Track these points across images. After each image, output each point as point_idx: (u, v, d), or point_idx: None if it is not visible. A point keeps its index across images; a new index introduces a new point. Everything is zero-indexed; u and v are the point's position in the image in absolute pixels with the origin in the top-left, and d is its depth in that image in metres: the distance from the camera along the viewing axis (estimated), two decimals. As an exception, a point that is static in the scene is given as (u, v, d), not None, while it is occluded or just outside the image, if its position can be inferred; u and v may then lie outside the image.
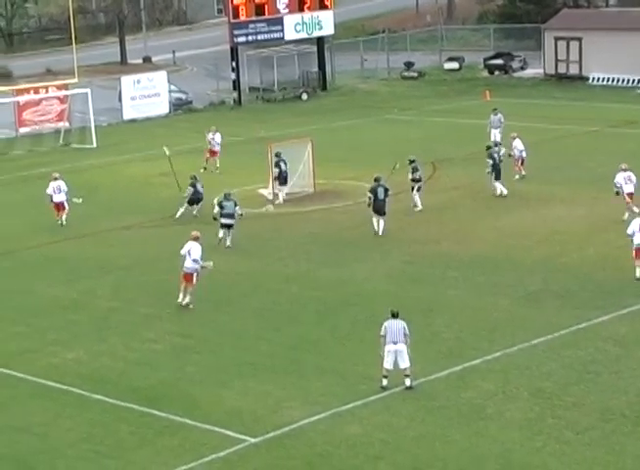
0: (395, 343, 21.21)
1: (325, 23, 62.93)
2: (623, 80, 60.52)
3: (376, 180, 33.01)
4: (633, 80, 59.84)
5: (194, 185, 35.37)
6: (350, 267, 29.64)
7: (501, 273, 28.36)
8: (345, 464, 18.76)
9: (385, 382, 21.37)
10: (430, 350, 23.37)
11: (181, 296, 27.08)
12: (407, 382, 21.33)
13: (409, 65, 68.19)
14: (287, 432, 19.92)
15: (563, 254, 29.84)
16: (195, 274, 26.86)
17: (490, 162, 36.17)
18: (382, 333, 21.43)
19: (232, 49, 60.72)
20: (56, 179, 35.46)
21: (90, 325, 26.15)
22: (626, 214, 31.83)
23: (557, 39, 63.23)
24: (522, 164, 38.74)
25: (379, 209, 32.58)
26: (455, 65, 68.62)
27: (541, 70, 64.59)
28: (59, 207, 35.27)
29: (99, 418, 20.96)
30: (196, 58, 76.81)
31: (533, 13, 71.81)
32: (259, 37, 61.25)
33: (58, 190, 35.22)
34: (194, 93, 61.05)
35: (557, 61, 63.59)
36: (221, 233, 32.11)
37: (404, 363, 21.26)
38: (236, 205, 32.17)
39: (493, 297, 26.66)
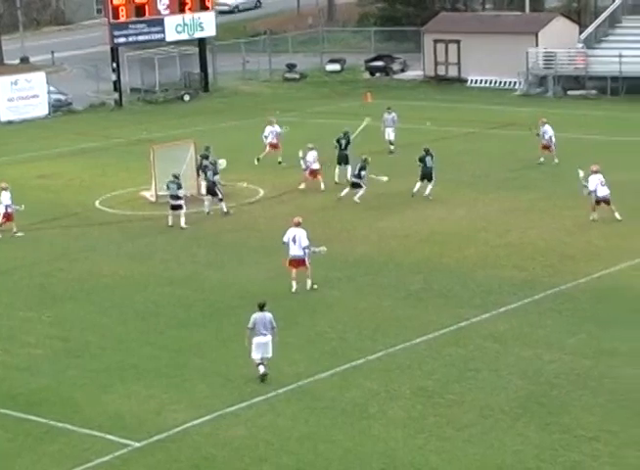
0: (264, 335, 21.64)
1: (206, 24, 62.70)
2: (500, 83, 61.72)
3: (425, 150, 35.93)
4: (509, 83, 61.07)
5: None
6: (235, 269, 29.60)
7: (383, 274, 28.65)
8: (230, 466, 18.73)
9: (262, 369, 21.66)
10: (314, 350, 23.50)
11: (294, 284, 26.94)
12: (261, 369, 21.71)
13: (291, 66, 68.37)
14: (171, 435, 19.80)
15: (443, 254, 30.29)
16: (306, 259, 26.72)
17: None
18: (249, 325, 21.73)
19: (112, 50, 60.05)
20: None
21: (-32, 331, 25.58)
22: (594, 215, 32.21)
23: (436, 42, 64.18)
24: (549, 149, 39.93)
25: (426, 175, 35.62)
26: (337, 66, 69.06)
27: (421, 73, 65.47)
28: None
29: (-23, 426, 20.53)
30: (75, 58, 75.64)
31: (413, 15, 72.72)
32: (140, 38, 60.70)
33: None
34: (74, 94, 60.12)
35: (436, 63, 64.54)
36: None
37: (268, 354, 21.69)
38: (179, 187, 33.15)
39: (376, 297, 26.92)
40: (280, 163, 41.71)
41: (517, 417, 19.89)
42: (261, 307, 21.88)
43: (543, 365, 22.23)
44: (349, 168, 37.80)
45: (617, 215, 32.06)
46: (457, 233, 32.12)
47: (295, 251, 26.94)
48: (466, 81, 63.09)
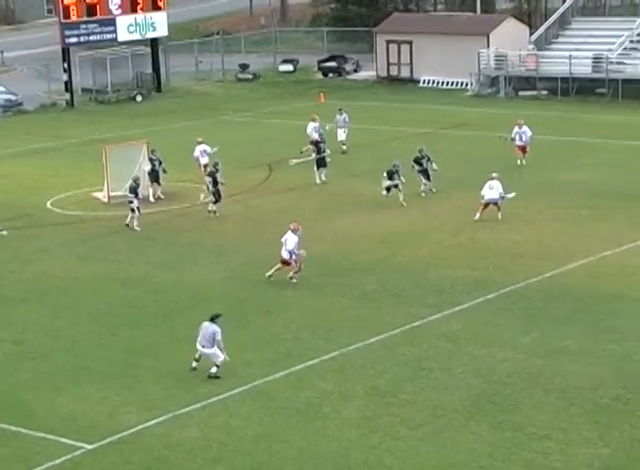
0: (203, 347, 21.93)
1: (158, 24, 62.44)
2: (452, 83, 62.06)
3: (419, 151, 36.35)
4: (461, 83, 61.42)
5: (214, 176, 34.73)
6: (188, 270, 29.52)
7: (338, 274, 28.71)
8: (183, 468, 18.68)
9: (194, 363, 22.17)
10: (269, 350, 23.50)
11: (271, 271, 27.92)
12: (193, 363, 22.17)
13: (244, 66, 68.29)
14: (124, 437, 19.71)
15: (397, 253, 30.41)
16: (291, 260, 27.63)
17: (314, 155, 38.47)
18: (196, 333, 22.06)
19: (63, 50, 59.62)
20: None
21: None
22: (478, 215, 32.65)
23: (388, 42, 64.41)
24: (525, 150, 40.26)
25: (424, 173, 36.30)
26: (290, 67, 69.09)
27: (374, 73, 65.66)
28: None
29: None
30: (26, 58, 75.02)
31: (365, 16, 72.96)
32: (92, 38, 60.33)
33: None
34: (24, 95, 59.56)
35: (389, 64, 64.77)
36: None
37: (216, 361, 21.91)
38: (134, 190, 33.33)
39: (330, 297, 26.98)
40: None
41: (470, 416, 20.02)
42: (212, 319, 21.98)
43: (496, 364, 22.39)
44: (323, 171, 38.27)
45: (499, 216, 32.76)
46: (411, 233, 32.26)
47: (282, 252, 27.80)
48: (418, 82, 63.36)
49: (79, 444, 19.44)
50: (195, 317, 25.42)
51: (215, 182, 34.54)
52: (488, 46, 60.90)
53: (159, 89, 63.33)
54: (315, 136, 41.62)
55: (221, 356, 21.89)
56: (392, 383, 21.67)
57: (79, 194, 38.21)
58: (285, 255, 27.73)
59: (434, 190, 36.34)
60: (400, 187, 34.99)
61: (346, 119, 44.72)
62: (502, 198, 32.65)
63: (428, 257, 30.03)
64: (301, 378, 22.07)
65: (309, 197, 37.19)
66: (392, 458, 18.64)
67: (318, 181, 38.60)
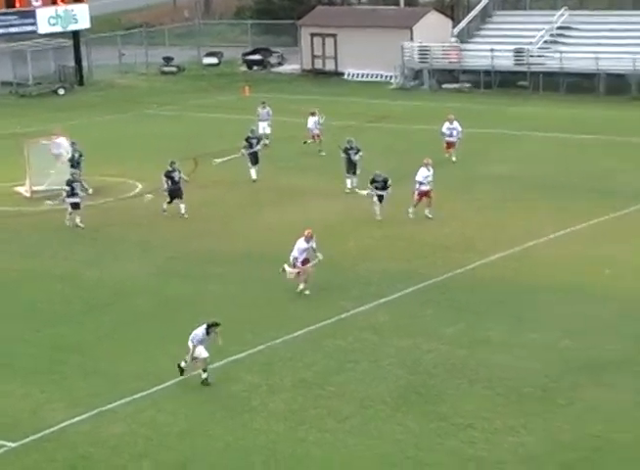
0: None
1: (80, 16, 61.81)
2: (377, 76, 62.32)
3: (348, 142, 36.05)
4: (385, 76, 61.70)
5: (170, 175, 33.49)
6: (114, 265, 29.28)
7: (264, 268, 28.65)
8: (108, 464, 18.54)
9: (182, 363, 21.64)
10: (194, 345, 23.39)
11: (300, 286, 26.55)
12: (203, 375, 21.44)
13: (168, 59, 67.89)
14: (48, 435, 19.49)
15: (324, 246, 30.40)
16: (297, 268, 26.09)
17: (247, 150, 37.70)
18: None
19: (-18, 42, 58.81)
20: None
21: None
22: (411, 209, 32.54)
23: (313, 35, 64.49)
24: (454, 146, 40.23)
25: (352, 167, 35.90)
26: (214, 60, 68.84)
27: (298, 66, 65.70)
28: None
29: None
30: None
31: (289, 9, 72.90)
32: (11, 30, 59.52)
33: None
34: (-57, 88, 58.66)
35: (313, 57, 64.86)
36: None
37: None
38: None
39: (257, 291, 26.95)
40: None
41: (396, 407, 20.16)
42: (209, 326, 21.38)
43: (421, 355, 22.57)
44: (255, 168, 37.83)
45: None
46: (337, 226, 32.33)
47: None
48: (343, 75, 63.53)
49: (2, 442, 19.19)
50: (121, 313, 25.31)
51: (173, 181, 33.63)
52: (412, 39, 61.27)
53: (81, 82, 62.69)
54: (316, 131, 41.93)
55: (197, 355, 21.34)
56: (320, 375, 21.73)
57: (1, 188, 37.67)
58: (291, 260, 26.42)
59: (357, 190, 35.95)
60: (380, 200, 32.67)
61: (270, 113, 44.67)
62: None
63: (354, 249, 30.14)
64: (228, 372, 22.03)
65: (235, 191, 37.10)
66: (320, 450, 18.70)
67: (254, 178, 38.07)
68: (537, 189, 35.90)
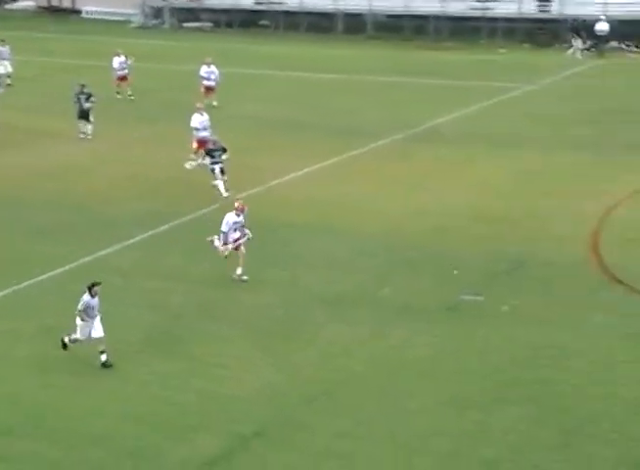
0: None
1: None
2: (117, 14, 61.09)
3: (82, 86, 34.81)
4: (125, 14, 60.57)
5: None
6: None
7: (14, 210, 27.82)
8: None
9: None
10: None
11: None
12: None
13: None
14: None
15: (69, 189, 29.87)
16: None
17: None
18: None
19: None
20: None
21: None
22: (190, 164, 30.81)
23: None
24: (213, 90, 39.61)
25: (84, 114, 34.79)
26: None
27: (33, 3, 63.56)
28: None
29: None
30: None
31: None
32: None
33: None
34: None
35: (51, -7, 62.89)
36: None
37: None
38: None
39: (3, 233, 26.13)
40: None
41: (142, 349, 20.10)
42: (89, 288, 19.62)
43: (169, 296, 22.56)
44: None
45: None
46: (82, 167, 31.74)
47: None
48: (80, 12, 61.92)
49: None
50: None
51: None
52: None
53: None
54: (122, 72, 41.25)
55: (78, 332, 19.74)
56: (64, 319, 21.32)
57: None
58: (220, 235, 23.49)
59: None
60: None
61: (9, 52, 43.10)
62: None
63: (100, 191, 29.67)
64: (-31, 320, 21.36)
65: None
66: (64, 396, 18.45)
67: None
68: (281, 128, 36.37)
